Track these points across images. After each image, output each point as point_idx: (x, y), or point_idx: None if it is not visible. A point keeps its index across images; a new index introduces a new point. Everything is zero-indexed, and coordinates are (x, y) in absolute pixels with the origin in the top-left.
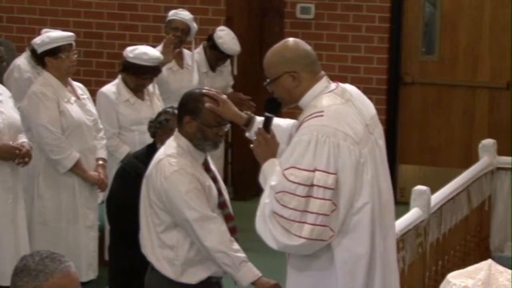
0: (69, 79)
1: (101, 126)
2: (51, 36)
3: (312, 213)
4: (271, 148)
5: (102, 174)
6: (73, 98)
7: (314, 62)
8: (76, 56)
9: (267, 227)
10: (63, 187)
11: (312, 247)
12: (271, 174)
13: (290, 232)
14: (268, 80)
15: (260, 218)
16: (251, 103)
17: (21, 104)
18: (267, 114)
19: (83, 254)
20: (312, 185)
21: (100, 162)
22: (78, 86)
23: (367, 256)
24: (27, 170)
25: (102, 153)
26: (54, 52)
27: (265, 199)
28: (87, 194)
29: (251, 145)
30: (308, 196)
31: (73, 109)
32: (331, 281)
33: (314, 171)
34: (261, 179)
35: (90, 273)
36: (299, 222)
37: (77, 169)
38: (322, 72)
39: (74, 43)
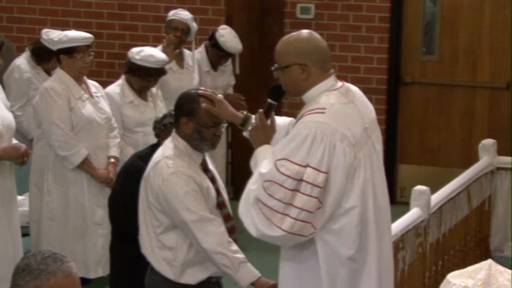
0: (84, 77)
1: (115, 125)
2: (69, 35)
3: (296, 207)
4: (267, 134)
5: (112, 172)
6: (85, 96)
7: (326, 60)
8: (91, 57)
9: (249, 213)
10: (72, 183)
11: (290, 241)
12: (263, 161)
13: (272, 222)
14: (276, 65)
15: (244, 203)
16: (245, 105)
17: (19, 103)
18: (270, 100)
19: (91, 250)
20: (301, 180)
21: (112, 160)
22: (92, 84)
23: (352, 259)
24: (37, 166)
25: (115, 151)
26: (70, 51)
27: (252, 185)
28: (96, 191)
29: (249, 128)
30: (295, 190)
31: (85, 107)
32: (318, 273)
33: (305, 166)
34: (252, 163)
35: (98, 270)
36: (282, 214)
37: (85, 166)
38: (332, 70)
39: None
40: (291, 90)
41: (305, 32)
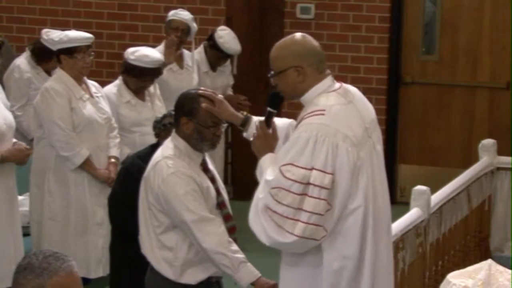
0: (84, 77)
1: (115, 125)
2: (69, 35)
3: (306, 211)
4: (270, 143)
5: (113, 172)
6: (86, 96)
7: (322, 61)
8: (92, 57)
9: (259, 222)
10: (73, 183)
11: (303, 246)
12: (267, 169)
13: (283, 229)
14: (272, 72)
15: (253, 213)
16: (248, 103)
17: (19, 103)
18: (269, 109)
19: (91, 250)
20: (308, 184)
21: (112, 160)
22: (92, 84)
23: (355, 259)
24: (38, 166)
25: (115, 152)
26: (70, 51)
27: (260, 193)
28: (97, 191)
29: (251, 139)
30: (303, 194)
31: (85, 107)
32: (319, 279)
33: (311, 169)
34: (257, 173)
35: (99, 270)
36: (293, 219)
37: (86, 166)
38: (328, 71)
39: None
40: (289, 94)
41: (298, 35)
